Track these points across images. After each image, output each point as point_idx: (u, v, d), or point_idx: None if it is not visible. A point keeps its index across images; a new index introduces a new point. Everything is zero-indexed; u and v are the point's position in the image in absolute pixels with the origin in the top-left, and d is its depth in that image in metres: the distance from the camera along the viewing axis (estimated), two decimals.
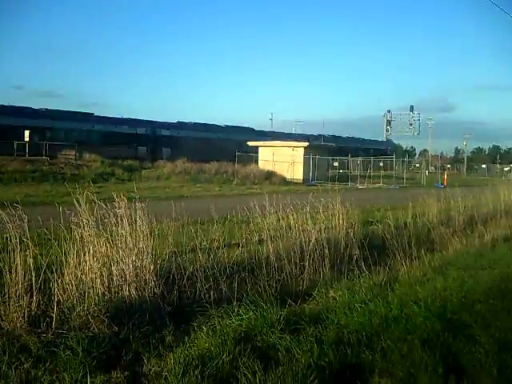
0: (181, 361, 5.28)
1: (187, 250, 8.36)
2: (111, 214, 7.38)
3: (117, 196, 7.53)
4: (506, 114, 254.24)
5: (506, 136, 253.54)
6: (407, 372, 5.12)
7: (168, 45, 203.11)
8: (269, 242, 9.01)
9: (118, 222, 7.32)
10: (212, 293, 7.41)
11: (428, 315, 6.77)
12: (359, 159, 59.12)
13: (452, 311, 7.06)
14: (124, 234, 7.22)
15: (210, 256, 8.11)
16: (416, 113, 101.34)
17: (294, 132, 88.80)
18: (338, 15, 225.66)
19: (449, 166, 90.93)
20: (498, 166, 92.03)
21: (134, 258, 7.07)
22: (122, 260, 7.04)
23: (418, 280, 8.83)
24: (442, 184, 46.04)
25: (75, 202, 7.39)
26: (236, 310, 6.76)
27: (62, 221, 7.46)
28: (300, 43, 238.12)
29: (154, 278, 7.09)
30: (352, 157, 57.87)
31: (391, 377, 5.09)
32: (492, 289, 8.27)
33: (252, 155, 50.79)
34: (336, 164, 55.49)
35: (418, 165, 69.42)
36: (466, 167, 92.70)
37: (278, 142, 53.78)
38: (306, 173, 46.29)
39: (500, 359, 5.48)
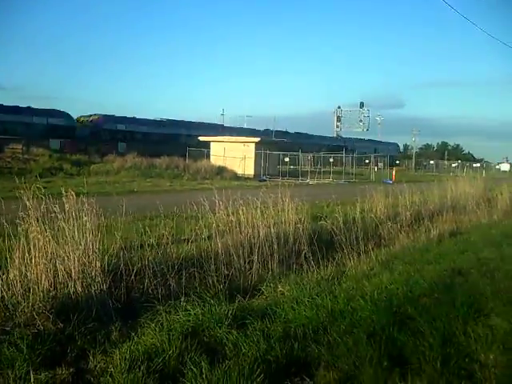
0: (126, 357, 5.27)
1: (136, 246, 8.29)
2: (58, 209, 7.28)
3: (65, 191, 7.44)
4: (454, 111, 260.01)
5: (454, 132, 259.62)
6: (353, 365, 5.20)
7: (112, 36, 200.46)
8: (218, 237, 9.03)
9: (64, 218, 7.22)
10: (160, 288, 7.38)
11: (374, 309, 6.88)
12: (310, 155, 59.51)
13: (398, 305, 7.19)
14: (70, 229, 7.13)
15: (158, 252, 8.08)
16: (366, 109, 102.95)
17: (245, 127, 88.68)
18: (289, 9, 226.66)
19: (398, 161, 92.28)
20: (445, 162, 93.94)
21: (80, 253, 6.98)
22: (67, 256, 6.95)
23: (365, 274, 8.97)
24: (391, 180, 46.70)
25: (22, 197, 7.25)
26: (184, 305, 6.76)
27: (6, 216, 7.32)
28: (249, 38, 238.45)
29: (101, 274, 7.02)
30: (303, 152, 58.23)
31: (337, 370, 5.16)
32: (437, 283, 8.43)
33: (203, 150, 50.66)
34: (287, 159, 55.74)
35: (367, 161, 70.19)
36: (414, 163, 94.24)
37: (230, 137, 53.73)
38: (257, 168, 46.40)
39: (444, 352, 5.61)
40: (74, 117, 67.46)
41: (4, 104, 57.56)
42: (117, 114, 70.26)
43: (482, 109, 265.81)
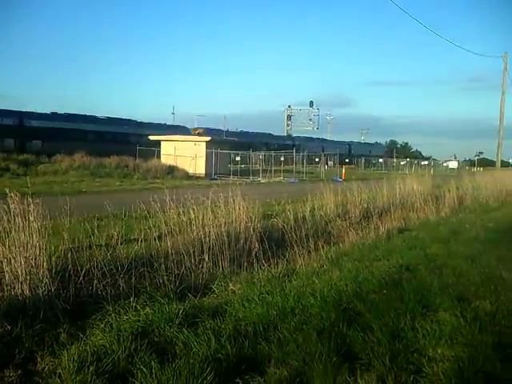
0: (75, 358, 5.20)
1: (84, 247, 8.17)
2: (2, 210, 7.13)
3: (9, 191, 7.29)
4: (402, 110, 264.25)
5: (403, 131, 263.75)
6: (303, 361, 5.23)
7: (61, 34, 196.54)
8: (169, 236, 8.98)
9: (10, 219, 7.08)
10: (109, 289, 7.29)
11: (324, 306, 6.95)
12: (261, 154, 59.70)
13: (347, 301, 7.27)
14: (16, 230, 6.99)
15: (107, 252, 7.98)
16: (315, 108, 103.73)
17: (196, 126, 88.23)
18: (239, 9, 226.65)
19: (347, 160, 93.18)
20: (394, 160, 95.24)
21: (26, 255, 6.85)
22: (13, 257, 6.82)
23: (315, 271, 9.04)
24: (341, 178, 47.20)
25: None
26: (134, 305, 6.70)
27: None
28: (199, 37, 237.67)
29: (49, 276, 6.89)
30: (254, 151, 58.40)
31: (287, 367, 5.19)
32: (386, 279, 8.56)
33: (154, 149, 50.27)
34: (238, 158, 55.80)
35: (317, 159, 70.63)
36: (363, 161, 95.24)
37: (181, 136, 53.42)
38: (208, 167, 46.34)
39: (392, 347, 5.68)
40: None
41: None
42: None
43: (430, 107, 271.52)
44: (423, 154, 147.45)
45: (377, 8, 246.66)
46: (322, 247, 10.82)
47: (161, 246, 8.79)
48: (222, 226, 9.86)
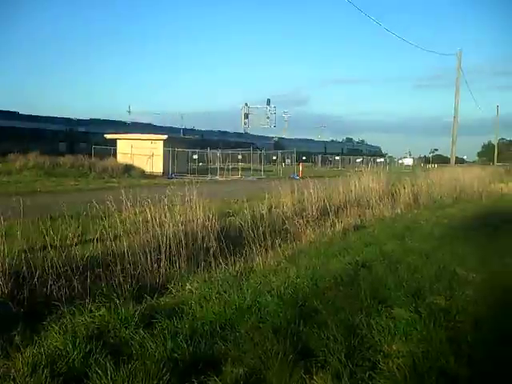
0: (29, 361, 5.13)
1: (39, 248, 8.05)
2: None
3: None
4: (358, 107, 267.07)
5: (358, 129, 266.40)
6: (259, 360, 5.24)
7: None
8: (125, 236, 8.91)
9: None
10: (64, 290, 7.19)
11: (280, 303, 6.98)
12: (219, 152, 59.63)
13: (303, 299, 7.31)
14: None
15: (62, 253, 7.87)
16: (272, 106, 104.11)
17: (153, 124, 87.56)
18: (196, 5, 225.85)
19: (304, 157, 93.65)
20: (350, 157, 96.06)
21: None
22: None
23: (273, 269, 9.07)
24: (298, 175, 47.38)
25: None
26: (89, 307, 6.63)
27: None
28: (155, 33, 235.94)
29: (2, 278, 6.79)
30: (212, 149, 58.32)
31: (243, 365, 5.19)
32: (342, 276, 8.62)
33: (110, 148, 49.74)
34: (196, 157, 55.62)
35: (274, 157, 70.82)
36: (320, 159, 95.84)
37: (137, 134, 52.90)
38: (165, 166, 46.02)
39: (348, 343, 5.74)
40: None
41: None
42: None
43: (386, 105, 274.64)
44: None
45: (333, 7, 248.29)
46: (280, 245, 10.85)
47: (117, 246, 8.70)
48: (179, 225, 9.81)
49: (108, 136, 51.36)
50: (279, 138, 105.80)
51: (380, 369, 5.30)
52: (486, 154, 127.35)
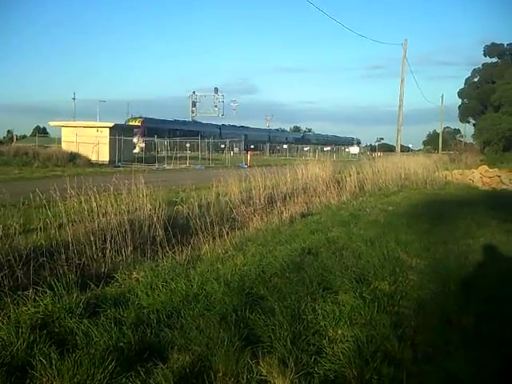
0: None
1: None
2: None
3: None
4: (306, 96, 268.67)
5: (306, 117, 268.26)
6: (205, 347, 5.25)
7: None
8: (69, 225, 8.79)
9: None
10: (7, 280, 7.05)
11: (227, 291, 6.99)
12: (166, 140, 59.20)
13: (250, 286, 7.36)
14: None
15: (5, 243, 7.71)
16: (220, 94, 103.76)
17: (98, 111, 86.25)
18: None
19: (252, 146, 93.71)
20: (298, 145, 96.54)
21: None
22: None
23: (220, 257, 9.07)
24: (246, 164, 47.46)
25: None
26: (33, 296, 6.52)
27: None
28: (101, 20, 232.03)
29: None
30: (159, 138, 57.88)
31: (190, 353, 5.20)
32: (288, 263, 8.68)
33: (54, 138, 48.88)
34: (143, 145, 55.10)
35: (223, 146, 70.69)
36: (268, 148, 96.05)
37: (82, 122, 52.02)
38: (112, 154, 45.32)
39: (293, 329, 5.80)
40: None
41: None
42: None
43: (333, 94, 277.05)
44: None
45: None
46: (227, 233, 10.86)
47: (61, 235, 8.57)
48: (125, 213, 9.73)
49: (52, 123, 50.41)
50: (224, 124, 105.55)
51: (325, 353, 5.37)
52: (432, 142, 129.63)
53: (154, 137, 58.56)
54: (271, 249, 9.82)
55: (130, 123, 75.77)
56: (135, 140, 58.13)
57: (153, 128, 74.94)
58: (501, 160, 52.29)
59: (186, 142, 61.06)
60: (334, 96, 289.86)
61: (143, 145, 56.03)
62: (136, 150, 55.64)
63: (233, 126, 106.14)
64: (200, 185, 17.36)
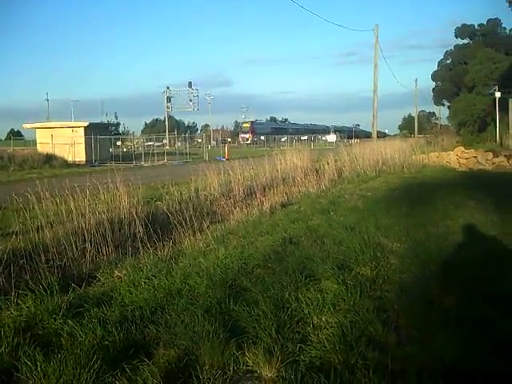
0: None
1: None
2: None
3: None
4: (280, 87, 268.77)
5: (282, 107, 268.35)
6: (191, 341, 5.26)
7: None
8: (48, 227, 8.74)
9: None
10: None
11: (210, 284, 7.02)
12: (143, 137, 58.99)
13: (233, 278, 7.38)
14: None
15: None
16: (195, 88, 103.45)
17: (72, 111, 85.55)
18: None
19: (229, 139, 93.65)
20: (275, 136, 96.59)
21: None
22: None
23: (202, 251, 9.08)
24: (224, 157, 47.37)
25: None
26: (15, 300, 6.50)
27: None
28: (71, 19, 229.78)
29: None
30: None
31: (175, 347, 5.21)
32: (270, 253, 8.72)
33: (29, 140, 48.45)
34: (119, 143, 54.85)
35: (200, 140, 70.52)
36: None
37: (56, 122, 51.56)
38: (88, 154, 44.98)
39: (278, 318, 5.82)
40: None
41: None
42: None
43: (307, 83, 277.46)
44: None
45: None
46: (208, 227, 10.88)
47: (40, 238, 8.52)
48: (105, 212, 9.70)
49: (26, 125, 49.93)
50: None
51: (310, 341, 5.40)
52: (407, 126, 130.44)
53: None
54: (253, 240, 9.85)
55: (244, 125, 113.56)
56: (247, 136, 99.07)
57: (258, 128, 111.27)
58: (477, 140, 52.71)
59: (163, 137, 60.84)
60: (310, 85, 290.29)
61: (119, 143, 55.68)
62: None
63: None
64: (179, 180, 17.38)
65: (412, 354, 5.04)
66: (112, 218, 9.72)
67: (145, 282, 7.24)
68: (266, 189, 16.99)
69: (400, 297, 6.65)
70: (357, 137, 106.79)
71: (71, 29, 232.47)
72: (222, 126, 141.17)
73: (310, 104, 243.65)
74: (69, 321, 5.86)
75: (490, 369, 4.73)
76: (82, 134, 45.76)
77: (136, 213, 10.16)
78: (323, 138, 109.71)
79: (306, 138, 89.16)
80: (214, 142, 73.73)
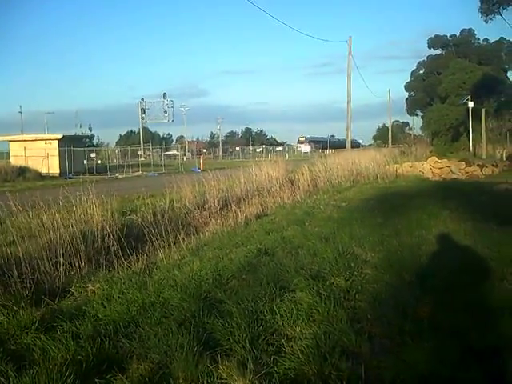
0: None
1: None
2: None
3: None
4: (256, 98, 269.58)
5: (257, 118, 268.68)
6: (164, 354, 5.24)
7: None
8: (20, 241, 8.66)
9: None
10: None
11: (184, 297, 6.99)
12: (117, 148, 58.74)
13: (207, 290, 7.35)
14: None
15: None
16: (169, 100, 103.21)
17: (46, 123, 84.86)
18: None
19: (205, 150, 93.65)
20: (250, 147, 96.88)
21: None
22: None
23: (176, 264, 9.05)
24: (199, 168, 47.34)
25: None
26: None
27: None
28: (46, 30, 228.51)
29: None
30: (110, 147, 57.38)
31: (149, 361, 5.18)
32: (245, 264, 8.71)
33: (2, 152, 48.01)
34: (94, 155, 54.55)
35: (175, 151, 70.36)
36: (221, 151, 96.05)
37: (30, 135, 51.17)
38: (62, 166, 44.73)
39: (252, 330, 5.81)
40: None
41: None
42: None
43: (282, 94, 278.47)
44: (278, 140, 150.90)
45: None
46: (183, 239, 10.84)
47: (12, 252, 8.43)
48: (78, 225, 9.63)
49: None
50: None
51: (284, 352, 5.39)
52: (381, 136, 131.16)
53: None
54: (227, 252, 9.84)
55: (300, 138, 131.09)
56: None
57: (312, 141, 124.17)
58: (450, 150, 53.19)
59: (138, 149, 60.62)
60: (285, 95, 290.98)
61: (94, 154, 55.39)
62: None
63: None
64: (154, 192, 17.32)
65: (385, 364, 5.07)
66: (85, 231, 9.64)
67: (118, 296, 7.20)
68: (242, 200, 16.97)
69: (374, 306, 6.67)
70: (332, 147, 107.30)
71: (45, 40, 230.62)
72: (198, 138, 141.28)
73: (286, 115, 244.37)
74: (41, 335, 5.82)
75: (464, 377, 4.77)
76: (56, 146, 45.50)
77: (110, 226, 10.08)
78: (298, 149, 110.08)
79: (281, 148, 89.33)
80: (190, 154, 73.57)
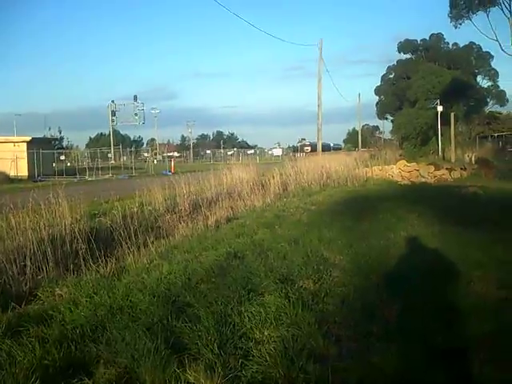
0: None
1: None
2: None
3: None
4: (227, 101, 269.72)
5: (228, 121, 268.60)
6: (131, 359, 5.21)
7: None
8: None
9: None
10: None
11: (153, 301, 6.97)
12: (87, 151, 58.31)
13: (176, 294, 7.34)
14: None
15: None
16: (140, 102, 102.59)
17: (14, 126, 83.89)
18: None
19: (176, 153, 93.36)
20: (222, 150, 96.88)
21: None
22: None
23: (145, 267, 9.02)
24: (170, 171, 47.20)
25: None
26: None
27: None
28: (8, 30, 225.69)
29: None
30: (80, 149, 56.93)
31: (116, 366, 5.16)
32: (214, 268, 8.71)
33: None
34: (63, 157, 54.09)
35: (146, 154, 70.05)
36: (192, 154, 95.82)
37: None
38: (31, 168, 44.31)
39: (220, 333, 5.82)
40: None
41: None
42: None
43: (253, 97, 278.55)
44: (249, 143, 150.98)
45: (198, 2, 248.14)
46: (153, 242, 10.82)
47: None
48: (45, 229, 9.54)
49: None
50: None
51: (252, 355, 5.41)
52: (352, 140, 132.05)
53: None
54: (197, 255, 9.83)
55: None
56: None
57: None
58: (419, 154, 53.66)
59: (108, 151, 60.23)
60: (257, 98, 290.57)
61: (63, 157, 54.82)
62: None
63: None
64: (124, 195, 17.22)
65: (352, 367, 5.11)
66: (54, 235, 9.56)
67: (86, 300, 7.15)
68: (212, 203, 16.98)
69: (341, 309, 6.74)
70: (302, 151, 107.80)
71: (13, 40, 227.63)
72: (169, 140, 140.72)
73: (258, 118, 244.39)
74: (7, 340, 5.76)
75: (429, 380, 4.83)
76: (25, 148, 45.05)
77: (78, 229, 10.02)
78: (269, 152, 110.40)
79: (252, 151, 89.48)
80: (160, 156, 73.28)
